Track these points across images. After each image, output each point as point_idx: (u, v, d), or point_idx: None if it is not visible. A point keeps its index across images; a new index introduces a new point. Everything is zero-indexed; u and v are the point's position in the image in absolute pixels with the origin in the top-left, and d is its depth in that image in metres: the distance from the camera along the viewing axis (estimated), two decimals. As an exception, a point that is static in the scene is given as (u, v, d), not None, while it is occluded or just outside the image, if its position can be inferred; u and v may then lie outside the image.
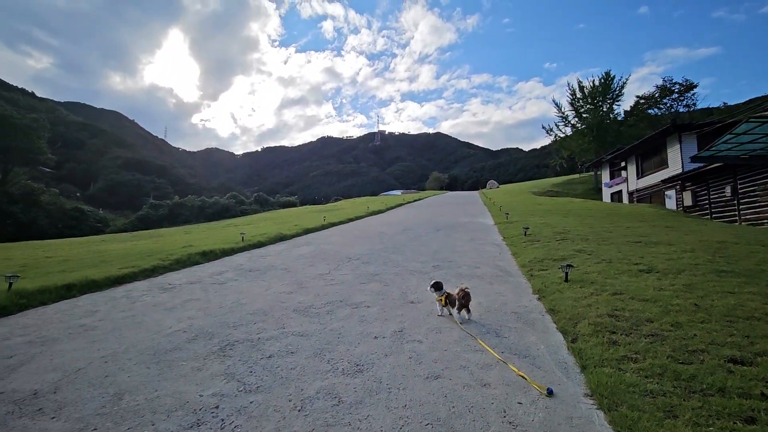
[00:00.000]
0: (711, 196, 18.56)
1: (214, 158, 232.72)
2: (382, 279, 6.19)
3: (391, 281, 6.03)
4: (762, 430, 2.05)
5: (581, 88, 43.59)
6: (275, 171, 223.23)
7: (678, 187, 21.08)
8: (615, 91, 41.60)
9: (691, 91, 43.06)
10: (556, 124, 47.12)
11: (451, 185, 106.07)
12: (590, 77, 50.08)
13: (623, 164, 28.92)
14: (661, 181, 21.80)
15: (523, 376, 2.85)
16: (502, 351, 3.33)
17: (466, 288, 4.21)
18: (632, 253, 6.93)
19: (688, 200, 20.07)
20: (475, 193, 48.16)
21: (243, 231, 10.82)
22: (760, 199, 15.90)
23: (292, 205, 61.83)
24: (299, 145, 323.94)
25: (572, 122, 45.05)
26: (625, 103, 48.05)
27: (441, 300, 4.33)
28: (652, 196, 23.90)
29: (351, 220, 17.78)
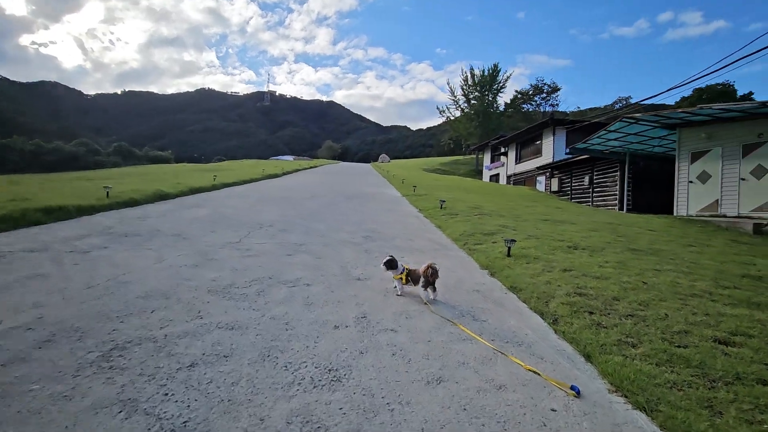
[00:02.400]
0: (573, 184, 21.71)
1: (55, 95, 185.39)
2: (310, 250, 5.23)
3: (323, 253, 5.12)
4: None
5: (472, 75, 46.73)
6: (140, 120, 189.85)
7: (548, 174, 24.18)
8: (500, 83, 45.68)
9: (556, 93, 49.99)
10: (447, 107, 49.99)
11: (343, 156, 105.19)
12: (479, 67, 54.01)
13: (503, 150, 32.06)
14: (536, 167, 24.74)
15: (535, 372, 2.39)
16: (492, 339, 2.85)
17: (434, 264, 3.62)
18: (548, 230, 7.30)
19: (555, 186, 23.17)
20: (367, 165, 48.44)
21: (106, 185, 8.38)
22: (608, 189, 19.14)
23: (165, 161, 53.48)
24: (173, 94, 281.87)
25: (462, 107, 48.25)
26: (506, 97, 53.52)
27: (401, 278, 3.68)
28: (526, 180, 27.06)
29: (246, 182, 15.76)
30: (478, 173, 43.67)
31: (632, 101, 52.42)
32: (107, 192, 8.18)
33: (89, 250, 4.46)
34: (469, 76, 46.86)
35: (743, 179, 10.81)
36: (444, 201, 10.13)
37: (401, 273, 3.69)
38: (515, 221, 8.13)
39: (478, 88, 46.02)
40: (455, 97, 48.48)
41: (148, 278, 3.64)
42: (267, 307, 3.14)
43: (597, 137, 14.72)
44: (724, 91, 44.18)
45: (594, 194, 19.93)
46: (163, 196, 9.38)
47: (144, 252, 4.58)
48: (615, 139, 14.78)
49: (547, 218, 8.90)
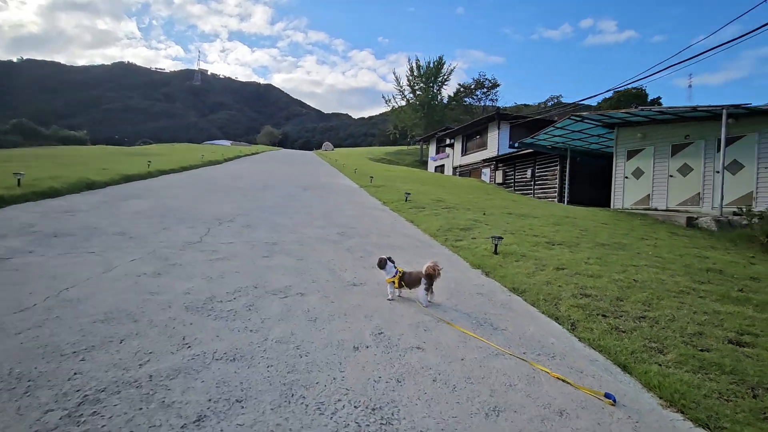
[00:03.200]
0: (516, 177, 22.78)
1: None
2: (287, 251, 4.69)
3: (302, 254, 4.61)
4: None
5: (418, 66, 46.99)
6: (45, 95, 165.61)
7: (492, 166, 25.14)
8: (444, 75, 46.50)
9: (496, 89, 52.16)
10: (393, 97, 49.94)
11: (282, 143, 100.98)
12: (425, 59, 54.53)
13: (450, 142, 32.77)
14: (482, 160, 25.59)
15: (593, 394, 2.21)
16: (523, 351, 2.65)
17: (437, 264, 3.34)
18: (518, 224, 7.40)
19: (499, 178, 24.17)
20: (311, 153, 46.93)
21: (17, 172, 6.90)
22: (549, 182, 20.34)
23: (80, 142, 47.21)
24: (85, 66, 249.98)
25: (408, 97, 48.44)
26: (449, 89, 54.71)
27: (394, 281, 3.36)
28: (472, 171, 27.92)
29: (185, 168, 14.29)
30: (422, 164, 44.35)
31: (563, 100, 56.40)
32: (18, 179, 6.78)
33: (9, 257, 3.54)
34: (414, 66, 47.07)
35: (671, 176, 11.96)
36: (409, 193, 9.92)
37: (394, 276, 3.38)
38: (483, 215, 8.16)
39: (423, 80, 46.41)
40: (401, 87, 48.53)
41: (102, 293, 2.93)
42: (266, 327, 2.64)
43: (544, 133, 15.44)
44: (638, 95, 49.13)
45: (536, 187, 21.06)
46: (90, 185, 8.05)
47: (85, 257, 3.75)
48: (560, 136, 15.62)
49: (510, 212, 9.08)
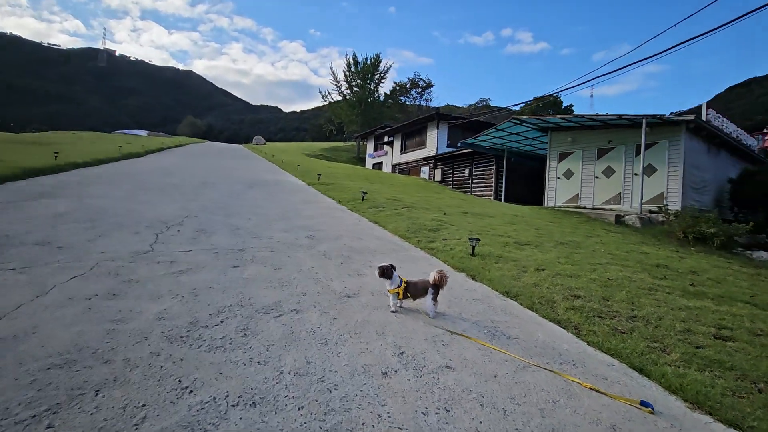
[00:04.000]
0: (454, 175, 23.63)
1: None
2: (258, 259, 4.19)
3: (277, 261, 4.15)
4: None
5: (355, 62, 46.64)
6: None
7: (431, 164, 25.81)
8: (381, 72, 46.73)
9: (430, 89, 53.77)
10: (328, 92, 49.18)
11: (207, 134, 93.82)
12: (359, 56, 54.32)
13: (388, 139, 33.02)
14: (422, 158, 26.14)
15: (630, 403, 2.20)
16: (547, 361, 2.59)
17: (444, 273, 3.19)
18: (479, 224, 7.55)
19: (438, 176, 24.89)
20: (241, 147, 44.12)
21: None
22: (485, 181, 21.41)
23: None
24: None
25: (344, 93, 47.90)
26: (386, 87, 55.21)
27: (399, 291, 3.14)
28: (410, 169, 28.41)
29: (101, 161, 12.47)
30: (360, 160, 44.20)
31: (492, 103, 59.91)
32: None
33: None
34: (351, 62, 46.64)
35: (597, 177, 13.21)
36: (365, 193, 9.67)
37: (398, 286, 3.16)
38: (444, 215, 8.21)
39: (360, 76, 46.18)
40: (337, 82, 47.80)
41: (47, 325, 2.29)
42: (274, 356, 2.25)
43: (485, 134, 16.14)
44: (555, 102, 53.99)
45: (473, 185, 22.02)
46: (-17, 181, 6.58)
47: (5, 276, 2.95)
48: (499, 137, 16.46)
49: (466, 211, 9.28)
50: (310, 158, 33.44)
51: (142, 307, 2.70)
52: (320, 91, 49.55)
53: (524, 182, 20.33)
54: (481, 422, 1.88)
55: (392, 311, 3.16)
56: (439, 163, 24.87)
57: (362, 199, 9.29)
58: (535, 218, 9.57)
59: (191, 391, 1.85)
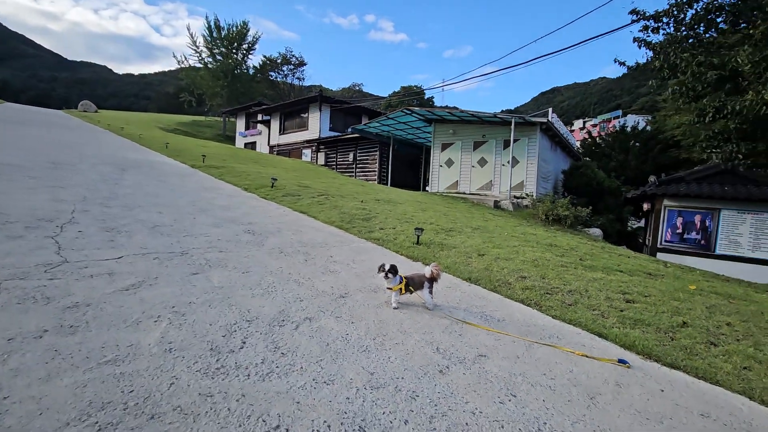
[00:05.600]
0: (338, 159, 23.76)
1: None
2: (213, 261, 3.65)
3: (238, 264, 3.69)
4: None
5: (218, 28, 41.69)
6: None
7: (314, 148, 25.36)
8: (249, 43, 42.93)
9: (303, 67, 51.87)
10: (185, 57, 43.09)
11: (0, 93, 71.02)
12: (212, 17, 48.65)
13: (263, 118, 30.97)
14: (305, 141, 25.38)
15: (611, 362, 2.79)
16: (540, 337, 3.05)
17: (438, 267, 3.41)
18: (398, 212, 7.92)
19: (321, 160, 24.66)
20: (61, 112, 34.81)
21: None
22: (369, 165, 22.17)
23: None
24: None
25: (206, 61, 42.53)
26: (255, 61, 50.91)
27: (401, 288, 3.26)
28: (291, 152, 27.33)
29: None
30: (227, 138, 40.32)
31: (364, 89, 61.23)
32: None
33: None
34: (213, 26, 41.47)
35: (473, 166, 15.10)
36: (275, 179, 9.03)
37: (400, 283, 3.27)
38: (361, 202, 8.32)
39: (225, 43, 41.52)
40: (197, 46, 42.04)
41: (15, 396, 1.65)
42: (333, 373, 2.10)
43: (376, 122, 16.67)
44: (419, 93, 58.70)
45: (357, 169, 22.56)
46: None
47: None
48: (388, 125, 17.19)
49: (377, 198, 9.57)
50: (168, 133, 28.99)
51: (128, 338, 2.15)
52: (175, 55, 43.03)
53: (406, 168, 21.80)
54: (543, 400, 2.16)
55: (394, 308, 3.21)
56: (322, 147, 24.59)
57: (272, 186, 8.69)
58: (433, 204, 10.50)
59: (287, 430, 1.63)
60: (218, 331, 2.37)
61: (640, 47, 9.41)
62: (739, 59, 6.91)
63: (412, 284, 3.29)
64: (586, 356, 2.79)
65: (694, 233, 12.03)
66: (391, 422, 1.77)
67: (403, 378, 2.17)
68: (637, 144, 23.25)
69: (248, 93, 42.82)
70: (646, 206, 13.10)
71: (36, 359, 1.86)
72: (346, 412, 1.79)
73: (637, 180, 21.25)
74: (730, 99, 7.39)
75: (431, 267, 3.33)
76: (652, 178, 13.36)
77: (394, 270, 3.19)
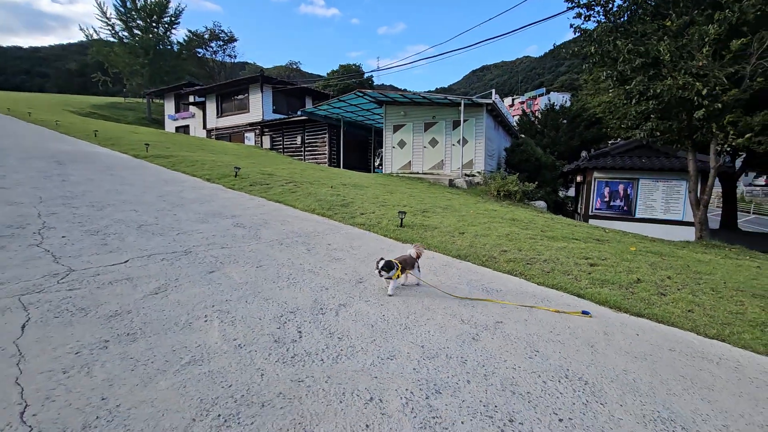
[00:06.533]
0: (285, 142, 23.09)
1: None
2: (220, 258, 3.67)
3: (245, 258, 3.74)
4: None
5: (133, -3, 37.35)
6: None
7: (257, 131, 24.34)
8: (172, 16, 39.15)
9: (233, 43, 48.50)
10: (94, 30, 38.28)
11: None
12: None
13: (195, 99, 28.88)
14: (248, 124, 24.19)
15: (578, 315, 3.36)
16: (535, 302, 3.55)
17: (421, 246, 3.84)
18: (368, 195, 8.14)
19: (267, 143, 23.79)
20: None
21: None
22: (319, 148, 21.88)
23: None
24: None
25: (121, 35, 38.11)
26: (179, 36, 46.45)
27: (399, 275, 3.36)
28: (232, 135, 25.93)
29: None
30: (153, 122, 37.06)
31: (302, 68, 58.91)
32: None
33: None
34: (127, -3, 37.06)
35: (425, 147, 15.62)
36: (239, 168, 8.74)
37: (397, 269, 3.35)
38: (331, 188, 8.41)
39: (143, 15, 37.40)
40: (108, 19, 37.40)
41: None
42: (398, 352, 2.37)
43: (326, 104, 16.44)
44: (357, 70, 57.96)
45: (306, 152, 22.17)
46: None
47: None
48: (339, 107, 17.03)
49: (344, 182, 9.67)
50: (86, 118, 26.00)
51: (192, 340, 2.23)
52: (82, 28, 37.71)
53: (355, 150, 21.83)
54: (559, 352, 2.63)
55: (389, 294, 3.30)
56: (266, 130, 23.70)
57: (235, 176, 8.43)
58: (395, 186, 10.85)
59: (381, 399, 1.89)
60: (271, 324, 2.51)
61: (575, 33, 10.36)
62: (660, 49, 7.93)
63: (405, 266, 3.46)
64: (578, 314, 3.33)
65: (618, 201, 13.78)
66: (457, 383, 2.10)
67: (448, 347, 2.50)
68: (564, 121, 25.43)
69: (174, 72, 39.39)
70: (579, 178, 14.63)
71: (118, 368, 1.90)
72: (419, 380, 2.09)
73: (566, 154, 23.38)
74: (653, 83, 8.48)
75: (415, 248, 3.66)
76: (584, 154, 14.91)
77: (388, 266, 3.25)
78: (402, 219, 5.77)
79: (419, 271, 3.68)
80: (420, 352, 2.39)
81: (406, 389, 1.99)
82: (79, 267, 3.06)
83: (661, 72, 8.33)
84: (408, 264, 3.53)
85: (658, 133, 9.50)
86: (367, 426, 1.69)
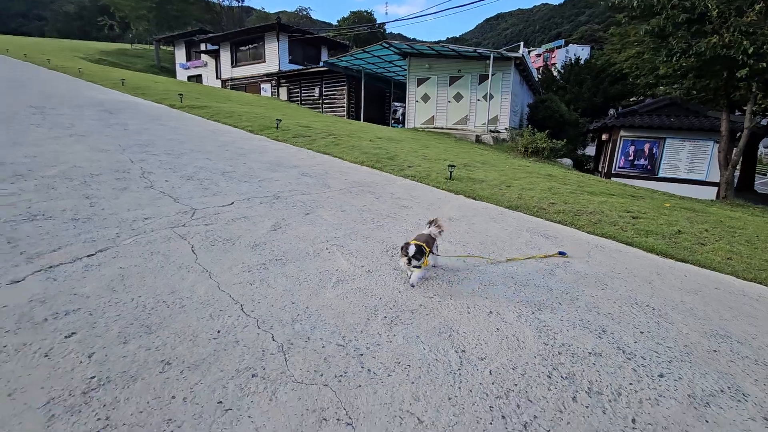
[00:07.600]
0: (303, 94, 22.85)
1: None
2: (307, 203, 4.08)
3: (327, 203, 4.15)
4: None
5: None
6: None
7: (274, 82, 23.99)
8: (176, -46, 37.09)
9: (240, -14, 46.11)
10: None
11: None
12: None
13: (208, 47, 28.18)
14: (264, 74, 23.79)
15: (565, 257, 3.79)
16: (591, 246, 3.97)
17: (440, 219, 3.01)
18: (407, 148, 8.41)
19: (284, 95, 23.55)
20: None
21: None
22: (337, 101, 21.68)
23: None
24: None
25: (124, -25, 36.42)
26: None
27: (426, 262, 2.59)
28: (248, 86, 25.59)
29: None
30: (162, 70, 36.32)
31: (312, 15, 56.21)
32: None
33: None
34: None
35: (449, 101, 15.52)
36: (280, 120, 8.97)
37: (425, 255, 2.54)
38: (371, 141, 8.66)
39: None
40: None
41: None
42: (542, 285, 2.83)
43: (349, 55, 16.16)
44: (369, 18, 55.42)
45: (324, 104, 22.01)
46: None
47: (124, 264, 2.30)
48: (362, 59, 16.72)
49: (379, 136, 9.90)
50: (96, 65, 25.65)
51: (328, 266, 2.67)
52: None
53: (373, 103, 21.61)
54: (625, 287, 3.08)
55: (412, 285, 2.57)
56: (283, 81, 23.36)
57: (277, 128, 8.68)
58: (426, 140, 11.05)
59: (505, 321, 2.35)
60: (382, 257, 2.96)
61: (617, -15, 10.00)
62: (708, 4, 7.76)
63: (430, 247, 2.69)
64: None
65: (642, 159, 13.89)
66: (552, 304, 2.56)
67: (533, 278, 2.95)
68: (588, 77, 24.72)
69: (183, 17, 38.00)
70: (604, 136, 14.64)
71: (288, 283, 2.36)
72: (521, 301, 2.55)
73: (589, 110, 23.00)
74: (695, 40, 8.37)
75: (436, 225, 2.93)
76: (611, 111, 14.77)
77: (420, 251, 2.49)
78: (451, 172, 6.10)
79: (437, 249, 2.94)
80: (512, 281, 2.84)
81: (515, 307, 2.45)
82: (199, 207, 3.49)
83: (705, 28, 8.19)
84: (431, 245, 2.72)
85: (695, 92, 9.47)
86: (497, 329, 2.17)
